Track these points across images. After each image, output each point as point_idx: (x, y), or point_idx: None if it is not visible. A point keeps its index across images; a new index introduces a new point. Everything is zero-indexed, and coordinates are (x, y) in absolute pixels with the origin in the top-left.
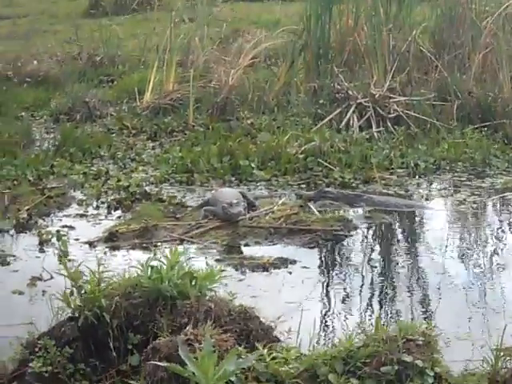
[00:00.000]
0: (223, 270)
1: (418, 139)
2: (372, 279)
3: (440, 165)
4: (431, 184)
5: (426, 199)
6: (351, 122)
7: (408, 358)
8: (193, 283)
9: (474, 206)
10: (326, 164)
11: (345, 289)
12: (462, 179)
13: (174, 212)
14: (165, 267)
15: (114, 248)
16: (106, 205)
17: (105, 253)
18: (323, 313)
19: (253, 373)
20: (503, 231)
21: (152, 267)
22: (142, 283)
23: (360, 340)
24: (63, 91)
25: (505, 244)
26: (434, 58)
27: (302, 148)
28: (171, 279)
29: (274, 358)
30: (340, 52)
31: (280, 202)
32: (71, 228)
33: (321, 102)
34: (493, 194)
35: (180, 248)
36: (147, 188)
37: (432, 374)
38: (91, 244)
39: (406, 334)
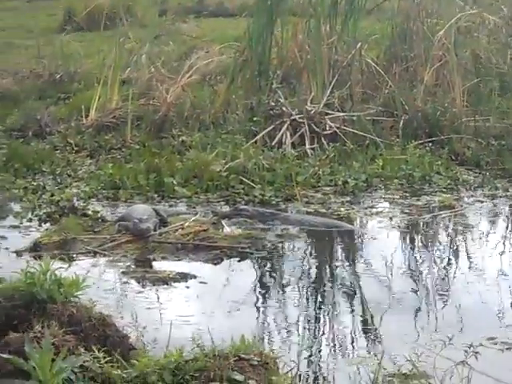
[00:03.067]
0: (88, 279)
1: (353, 156)
2: (270, 298)
3: (372, 182)
4: (357, 202)
5: (348, 218)
6: (284, 138)
7: (239, 377)
8: (60, 290)
9: (401, 225)
10: (247, 182)
11: (237, 306)
12: (395, 197)
13: (92, 226)
14: (37, 274)
15: (37, 257)
16: (37, 218)
17: (27, 261)
18: (206, 327)
19: (89, 373)
20: (424, 252)
21: (27, 273)
22: (20, 287)
23: (191, 353)
24: (22, 108)
25: (423, 268)
26: (382, 72)
27: (226, 166)
28: (43, 285)
29: (109, 362)
30: (280, 67)
31: (192, 218)
32: (3, 238)
33: (255, 119)
34: (426, 212)
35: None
36: (76, 203)
37: None
38: (18, 253)
39: (239, 352)
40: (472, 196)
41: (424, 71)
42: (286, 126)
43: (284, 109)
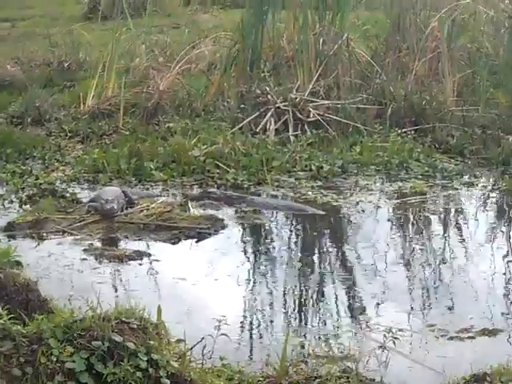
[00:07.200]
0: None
1: (334, 143)
2: (215, 275)
3: (347, 168)
4: (328, 187)
5: (315, 202)
6: (268, 125)
7: (118, 338)
8: None
9: (366, 209)
10: (222, 166)
11: (181, 282)
12: (368, 183)
13: (65, 207)
14: None
15: (10, 236)
16: (19, 200)
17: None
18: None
19: None
20: (384, 235)
21: None
22: None
23: (80, 314)
24: (26, 96)
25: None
26: (373, 62)
27: (205, 151)
28: None
29: (12, 318)
30: (272, 57)
31: (160, 200)
32: None
33: (242, 106)
34: (395, 198)
35: None
36: (58, 186)
37: (145, 358)
38: None
39: (121, 316)
40: (448, 184)
41: (417, 62)
42: (270, 113)
43: (269, 97)
